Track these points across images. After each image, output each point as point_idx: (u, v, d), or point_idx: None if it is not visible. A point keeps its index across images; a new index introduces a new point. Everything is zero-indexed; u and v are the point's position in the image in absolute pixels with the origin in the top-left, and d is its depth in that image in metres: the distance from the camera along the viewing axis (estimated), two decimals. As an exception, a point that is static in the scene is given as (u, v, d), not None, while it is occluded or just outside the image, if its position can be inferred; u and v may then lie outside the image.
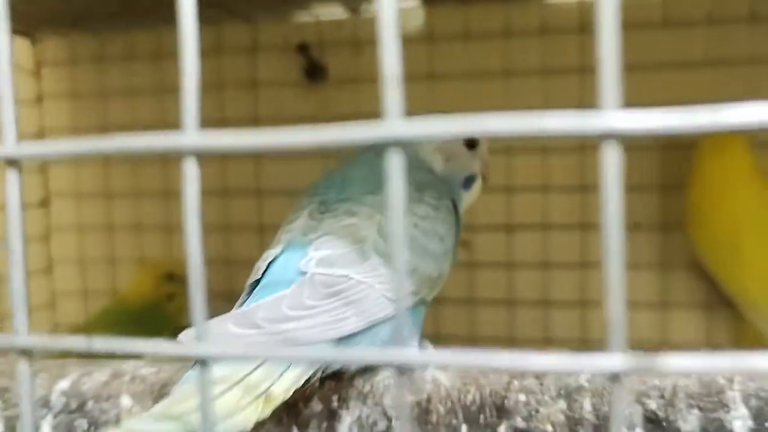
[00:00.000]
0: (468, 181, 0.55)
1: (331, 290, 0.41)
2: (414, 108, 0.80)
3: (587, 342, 0.80)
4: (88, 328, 0.83)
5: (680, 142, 0.77)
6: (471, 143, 0.55)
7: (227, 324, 0.39)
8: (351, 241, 0.44)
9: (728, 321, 0.79)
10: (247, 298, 0.44)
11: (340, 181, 0.49)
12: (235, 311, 0.41)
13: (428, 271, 0.46)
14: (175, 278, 0.84)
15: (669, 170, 0.79)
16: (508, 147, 0.82)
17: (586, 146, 0.80)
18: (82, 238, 0.96)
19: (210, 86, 0.89)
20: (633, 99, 0.76)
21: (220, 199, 0.90)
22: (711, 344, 0.79)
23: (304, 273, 0.42)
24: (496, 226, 0.84)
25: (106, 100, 0.93)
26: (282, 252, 0.44)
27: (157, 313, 0.84)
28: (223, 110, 0.89)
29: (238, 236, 0.90)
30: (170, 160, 0.91)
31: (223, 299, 0.89)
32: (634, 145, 0.79)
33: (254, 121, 0.89)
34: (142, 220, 0.94)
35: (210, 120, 0.88)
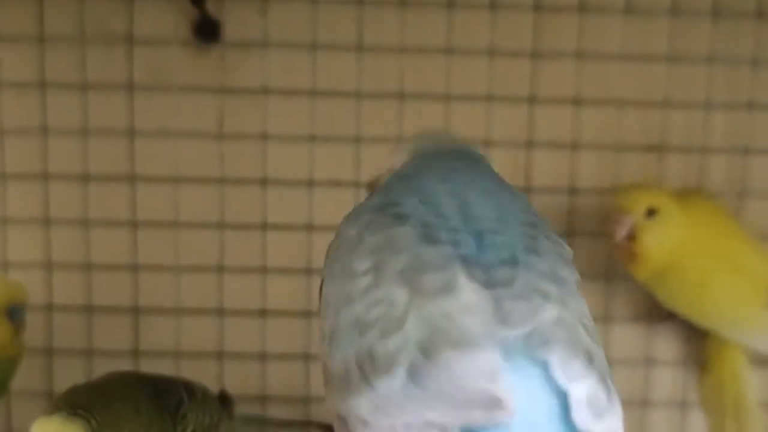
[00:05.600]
0: None
1: None
2: (383, 85, 0.67)
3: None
4: None
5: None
6: None
7: None
8: (586, 358, 0.29)
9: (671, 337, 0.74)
10: None
11: (460, 218, 0.33)
12: None
13: None
14: (15, 314, 0.61)
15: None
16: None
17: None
18: None
19: (68, 40, 0.68)
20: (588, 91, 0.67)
21: (81, 186, 0.70)
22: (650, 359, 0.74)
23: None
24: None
25: None
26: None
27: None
28: (85, 71, 0.69)
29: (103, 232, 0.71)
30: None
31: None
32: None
33: (128, 87, 0.70)
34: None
35: (68, 84, 0.69)
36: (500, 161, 0.71)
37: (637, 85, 0.71)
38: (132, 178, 0.70)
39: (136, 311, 0.72)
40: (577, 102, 0.71)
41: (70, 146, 0.70)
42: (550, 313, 0.30)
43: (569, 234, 0.72)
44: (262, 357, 0.72)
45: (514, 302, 0.30)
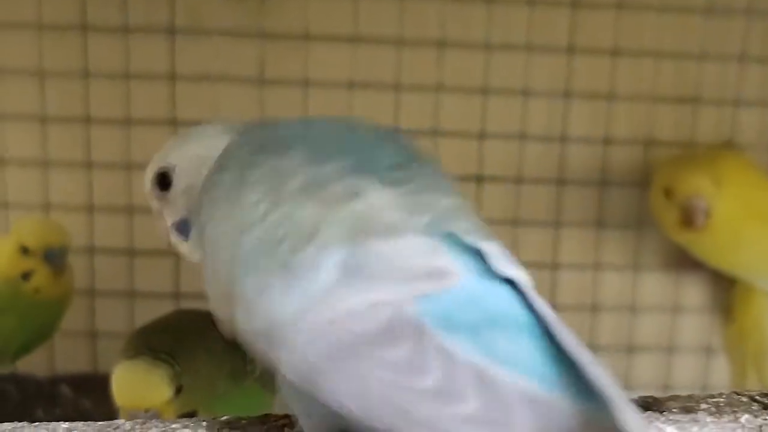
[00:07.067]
0: None
1: None
2: (424, 33, 0.65)
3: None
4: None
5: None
6: None
7: None
8: (486, 229, 0.31)
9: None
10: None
11: (342, 143, 0.35)
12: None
13: None
14: (30, 252, 0.61)
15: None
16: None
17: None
18: None
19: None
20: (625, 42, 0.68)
21: (123, 130, 0.71)
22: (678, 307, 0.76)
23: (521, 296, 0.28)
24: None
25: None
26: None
27: (12, 295, 0.61)
28: (126, 15, 0.69)
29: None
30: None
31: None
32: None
33: (169, 32, 0.70)
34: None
35: (109, 29, 0.69)
36: (537, 111, 0.73)
37: (674, 37, 0.72)
38: (173, 122, 0.71)
39: (177, 254, 0.72)
40: (614, 53, 0.71)
41: (112, 90, 0.70)
42: (448, 201, 0.32)
43: (603, 183, 0.73)
44: (300, 300, 0.73)
45: (417, 196, 0.31)
